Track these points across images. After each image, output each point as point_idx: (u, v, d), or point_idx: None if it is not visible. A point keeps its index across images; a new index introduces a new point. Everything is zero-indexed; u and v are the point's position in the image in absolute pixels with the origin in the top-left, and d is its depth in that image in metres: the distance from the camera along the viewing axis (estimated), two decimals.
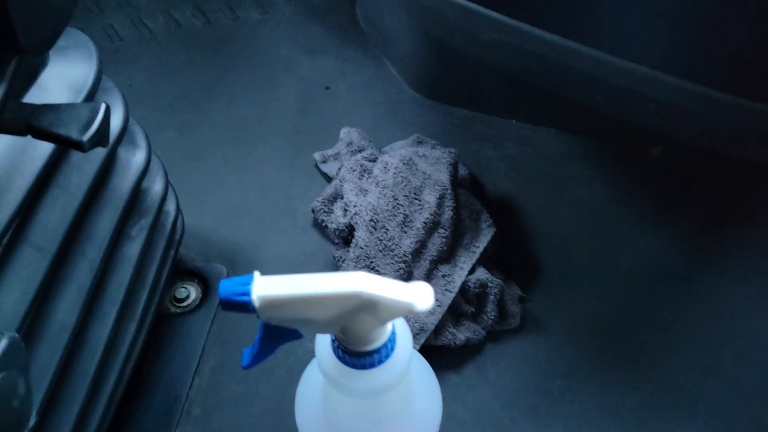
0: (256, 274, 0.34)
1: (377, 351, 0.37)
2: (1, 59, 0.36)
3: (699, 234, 0.75)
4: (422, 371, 0.46)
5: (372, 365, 0.37)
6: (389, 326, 0.37)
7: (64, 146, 0.37)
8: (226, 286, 0.34)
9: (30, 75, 0.48)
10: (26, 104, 0.38)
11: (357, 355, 0.37)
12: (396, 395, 0.41)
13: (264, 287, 0.34)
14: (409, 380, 0.43)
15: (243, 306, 0.34)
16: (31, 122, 0.37)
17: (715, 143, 0.67)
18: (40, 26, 0.35)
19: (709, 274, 0.72)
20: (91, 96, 0.52)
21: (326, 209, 0.73)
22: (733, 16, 0.56)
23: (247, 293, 0.33)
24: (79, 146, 0.36)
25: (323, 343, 0.39)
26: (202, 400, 0.64)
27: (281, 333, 0.37)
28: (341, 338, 0.37)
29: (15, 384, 0.32)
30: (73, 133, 0.36)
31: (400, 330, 0.39)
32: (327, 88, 0.90)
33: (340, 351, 0.37)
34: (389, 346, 0.38)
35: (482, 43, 0.67)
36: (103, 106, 0.37)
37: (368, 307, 0.34)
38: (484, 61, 0.73)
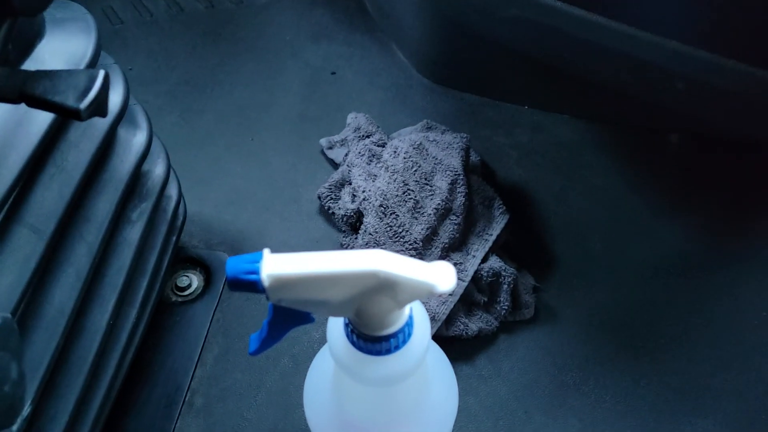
0: (266, 251, 0.32)
1: (393, 336, 0.35)
2: None
3: (718, 225, 0.72)
4: (438, 361, 0.44)
5: (387, 351, 0.35)
6: (406, 310, 0.35)
7: (60, 115, 0.34)
8: (234, 264, 0.32)
9: (25, 46, 0.46)
10: (20, 71, 0.35)
11: (372, 340, 0.35)
12: (411, 384, 0.39)
13: (274, 265, 0.31)
14: (425, 369, 0.40)
15: (251, 285, 0.31)
16: (25, 89, 0.34)
17: (746, 125, 0.64)
18: None
19: (728, 265, 0.70)
20: None
21: (333, 196, 0.71)
22: None
23: (257, 271, 0.31)
24: (76, 114, 0.34)
25: (336, 327, 0.36)
26: (204, 390, 0.62)
27: (291, 316, 0.35)
28: (356, 322, 0.34)
29: (6, 368, 0.30)
30: (70, 101, 0.34)
31: (418, 315, 0.37)
32: (333, 73, 0.88)
33: (354, 336, 0.35)
34: (406, 331, 0.35)
35: (500, 20, 0.64)
36: (101, 73, 0.35)
37: (386, 288, 0.32)
38: (500, 41, 0.70)
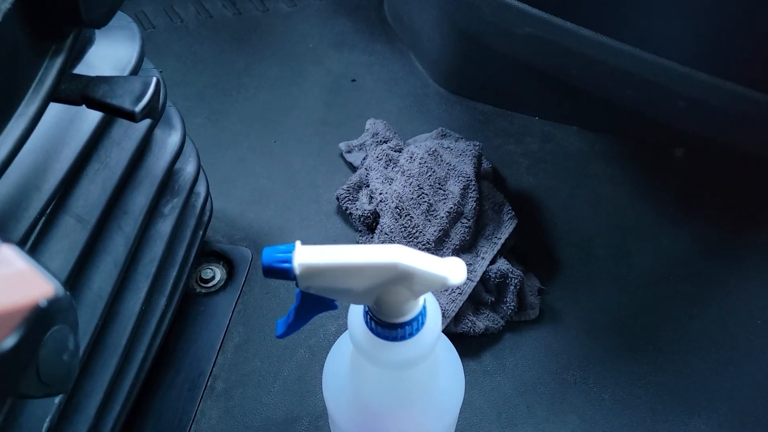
0: (298, 243, 0.36)
1: (409, 324, 0.38)
2: (61, 32, 0.37)
3: (719, 234, 0.76)
4: (448, 352, 0.47)
5: (402, 338, 0.39)
6: (421, 301, 0.39)
7: (117, 116, 0.38)
8: (269, 253, 0.35)
9: (78, 52, 0.50)
10: (82, 76, 0.40)
11: (389, 326, 0.38)
12: (423, 369, 0.42)
13: (305, 255, 0.35)
14: (435, 358, 0.44)
15: (284, 273, 0.35)
16: (87, 93, 0.38)
17: (745, 142, 0.67)
18: (101, 1, 0.37)
19: (727, 273, 0.73)
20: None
21: (351, 197, 0.75)
22: None
23: (289, 261, 0.35)
24: (131, 116, 0.38)
25: (356, 314, 0.40)
26: (225, 376, 0.66)
27: (317, 303, 0.38)
28: (375, 309, 0.38)
29: (66, 338, 0.34)
30: (126, 104, 0.38)
31: (431, 306, 0.40)
32: (353, 81, 0.92)
33: (372, 323, 0.39)
34: (420, 320, 0.39)
35: (514, 37, 0.68)
36: (154, 80, 0.39)
37: (404, 279, 0.35)
38: (514, 56, 0.74)
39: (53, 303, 0.19)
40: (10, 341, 0.18)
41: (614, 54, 0.62)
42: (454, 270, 0.36)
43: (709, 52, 0.59)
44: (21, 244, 0.44)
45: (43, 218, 0.48)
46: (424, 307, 0.39)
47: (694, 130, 0.70)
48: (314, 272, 0.35)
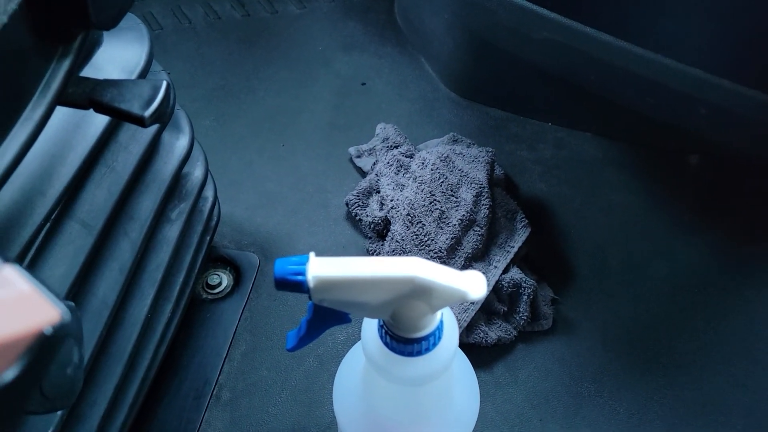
0: (312, 254, 0.34)
1: (425, 339, 0.37)
2: (69, 34, 0.36)
3: (735, 245, 0.74)
4: (463, 366, 0.46)
5: (419, 353, 0.38)
6: (438, 315, 0.38)
7: (125, 120, 0.37)
8: (282, 266, 0.34)
9: (86, 54, 0.49)
10: (89, 79, 0.38)
11: (404, 341, 0.37)
12: (438, 386, 0.41)
13: (319, 268, 0.34)
14: (450, 373, 0.43)
15: (297, 285, 0.34)
16: (94, 96, 0.37)
17: (766, 151, 0.66)
18: (110, 2, 0.36)
19: (744, 285, 0.71)
20: (143, 77, 0.52)
21: (361, 203, 0.74)
22: None
23: (303, 273, 0.34)
24: (141, 121, 0.37)
25: (370, 327, 0.39)
26: (231, 385, 0.65)
27: (330, 316, 0.37)
28: (390, 324, 0.37)
29: (70, 352, 0.32)
30: (135, 109, 0.37)
31: (448, 320, 0.39)
32: (363, 84, 0.90)
33: (387, 337, 0.37)
34: (437, 335, 0.38)
35: (531, 41, 0.67)
36: (164, 84, 0.38)
37: (422, 293, 0.34)
38: (530, 60, 0.72)
39: (59, 330, 0.18)
40: (10, 373, 0.17)
41: (635, 60, 0.61)
42: (473, 284, 0.35)
43: (732, 59, 0.58)
44: (25, 250, 0.43)
45: (48, 224, 0.47)
46: (441, 322, 0.38)
47: (713, 138, 0.69)
48: (329, 285, 0.34)
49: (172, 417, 0.63)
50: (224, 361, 0.67)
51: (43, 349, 0.18)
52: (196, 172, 0.64)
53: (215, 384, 0.65)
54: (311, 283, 0.34)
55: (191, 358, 0.67)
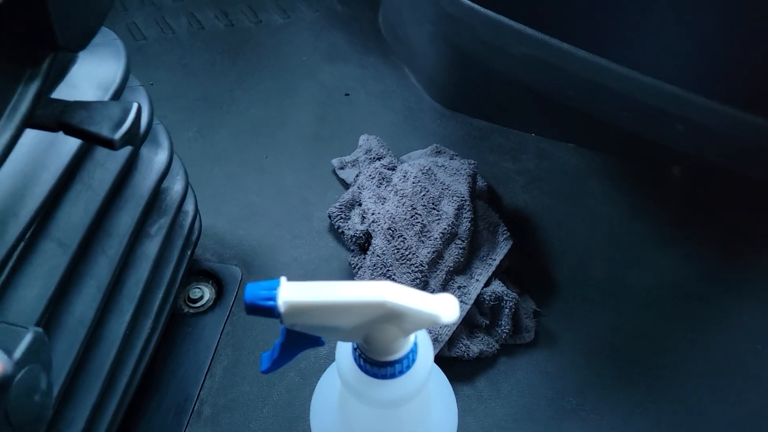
0: (283, 279, 0.34)
1: (399, 362, 0.37)
2: (37, 56, 0.36)
3: (717, 255, 0.74)
4: (439, 383, 0.46)
5: (393, 375, 0.37)
6: (411, 338, 0.37)
7: (95, 143, 0.37)
8: (252, 291, 0.34)
9: (60, 72, 0.49)
10: (58, 100, 0.38)
11: (378, 364, 0.37)
12: (414, 406, 0.41)
13: (290, 293, 0.34)
14: (427, 391, 0.42)
15: (268, 311, 0.34)
16: (63, 119, 0.37)
17: (743, 165, 0.66)
18: (77, 24, 0.35)
19: (726, 296, 0.72)
20: (118, 94, 0.52)
21: (343, 215, 0.73)
22: None
23: (273, 298, 0.34)
24: (110, 144, 0.36)
25: (344, 351, 0.39)
26: (213, 400, 0.64)
27: (303, 339, 0.37)
28: (363, 347, 0.36)
29: (37, 379, 0.32)
30: (105, 131, 0.36)
31: (422, 342, 0.39)
32: (347, 95, 0.90)
33: (361, 360, 0.37)
34: (410, 357, 0.38)
35: (510, 56, 0.67)
36: (135, 106, 0.37)
37: (393, 317, 0.34)
38: (508, 73, 0.73)
39: (5, 380, 0.18)
40: None
41: (612, 76, 0.61)
42: (445, 307, 0.35)
43: (708, 76, 0.58)
44: None
45: (22, 244, 0.46)
46: (415, 343, 0.38)
47: (692, 153, 0.69)
48: (300, 310, 0.34)
49: None
50: (205, 376, 0.66)
51: None
52: (176, 186, 0.63)
53: (196, 400, 0.64)
54: (282, 308, 0.34)
55: (172, 373, 0.66)
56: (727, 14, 0.55)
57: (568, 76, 0.64)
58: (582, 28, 0.61)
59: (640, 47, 0.60)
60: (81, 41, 0.36)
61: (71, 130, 0.37)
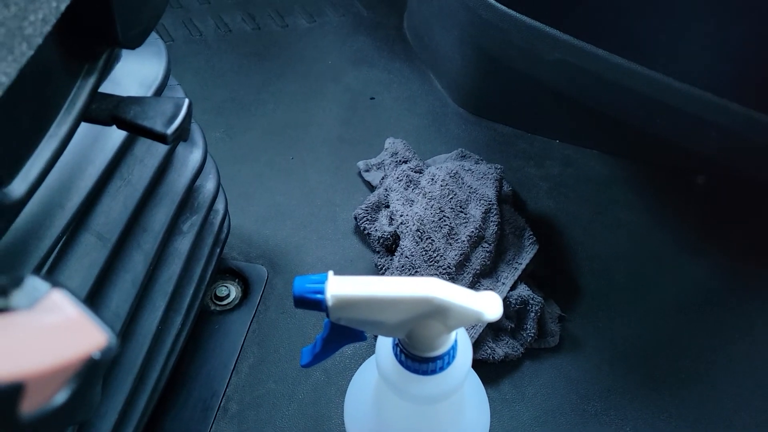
0: (330, 273, 0.35)
1: (440, 358, 0.37)
2: (95, 52, 0.37)
3: (742, 264, 0.74)
4: (474, 384, 0.46)
5: (433, 372, 0.38)
6: (453, 335, 0.38)
7: (147, 137, 0.38)
8: (301, 284, 0.35)
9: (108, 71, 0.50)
10: (112, 95, 0.39)
11: (419, 360, 0.37)
12: (449, 404, 0.41)
13: (338, 287, 0.34)
14: (462, 391, 0.43)
15: (316, 304, 0.34)
16: (117, 113, 0.38)
17: None
18: (137, 21, 0.36)
19: (749, 305, 0.72)
20: (160, 92, 0.53)
21: (369, 217, 0.74)
22: None
23: (322, 291, 0.34)
24: (163, 138, 0.37)
25: (384, 345, 0.39)
26: (239, 397, 0.65)
27: (346, 333, 0.37)
28: (406, 343, 0.37)
29: (95, 391, 0.33)
30: (158, 126, 0.37)
31: (462, 340, 0.39)
32: (372, 98, 0.91)
33: (402, 355, 0.38)
34: (451, 354, 0.38)
35: (543, 62, 0.68)
36: (186, 102, 0.38)
37: (438, 313, 0.35)
38: (538, 78, 0.73)
39: (107, 353, 0.19)
40: (61, 397, 0.17)
41: (648, 83, 0.62)
42: (489, 305, 0.35)
43: (744, 83, 0.59)
44: (42, 262, 0.44)
45: (65, 236, 0.47)
46: (456, 341, 0.39)
47: (722, 160, 0.69)
48: (347, 304, 0.34)
49: (179, 429, 0.63)
50: (232, 373, 0.67)
51: (91, 372, 0.18)
52: (208, 184, 0.64)
53: (222, 396, 0.65)
54: (330, 302, 0.34)
55: (199, 369, 0.67)
56: (764, 21, 0.55)
57: (602, 81, 0.65)
58: (617, 33, 0.62)
59: (675, 53, 0.60)
60: (138, 38, 0.37)
61: (124, 124, 0.38)
